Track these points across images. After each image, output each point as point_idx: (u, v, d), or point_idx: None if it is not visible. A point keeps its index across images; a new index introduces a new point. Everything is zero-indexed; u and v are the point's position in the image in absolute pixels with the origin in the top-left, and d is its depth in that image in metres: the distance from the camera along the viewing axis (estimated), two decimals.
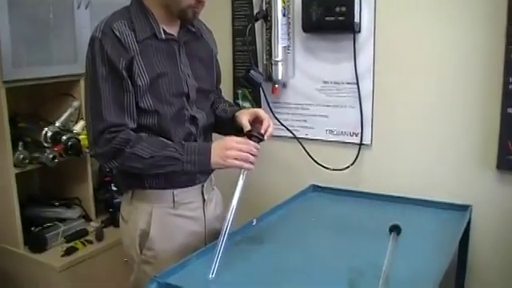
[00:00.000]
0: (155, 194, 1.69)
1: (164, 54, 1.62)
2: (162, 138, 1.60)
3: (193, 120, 1.70)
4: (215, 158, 1.58)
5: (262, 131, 1.67)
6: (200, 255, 1.58)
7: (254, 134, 1.64)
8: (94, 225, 2.53)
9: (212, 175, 1.82)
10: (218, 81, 1.89)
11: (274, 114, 2.31)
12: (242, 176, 1.60)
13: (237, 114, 1.77)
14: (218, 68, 1.88)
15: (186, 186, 1.71)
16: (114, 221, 2.54)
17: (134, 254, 1.73)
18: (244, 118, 1.71)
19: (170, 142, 1.60)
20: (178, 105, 1.64)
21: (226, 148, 1.58)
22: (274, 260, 1.60)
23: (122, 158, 1.57)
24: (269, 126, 1.69)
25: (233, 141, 1.59)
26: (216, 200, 1.86)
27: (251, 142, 1.61)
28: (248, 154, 1.58)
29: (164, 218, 1.69)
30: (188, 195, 1.73)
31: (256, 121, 1.72)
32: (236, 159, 1.57)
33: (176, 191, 1.70)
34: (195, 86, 1.70)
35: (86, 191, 2.53)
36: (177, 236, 1.71)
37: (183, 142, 1.62)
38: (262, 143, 1.67)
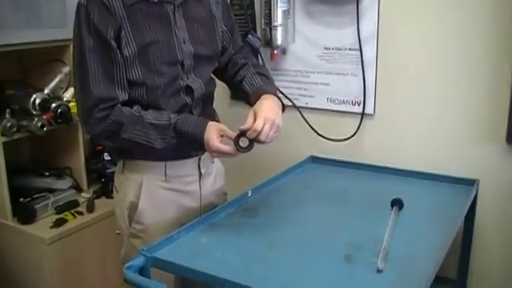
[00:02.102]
0: (146, 165, 1.66)
1: (156, 18, 1.57)
2: (154, 120, 1.55)
3: (188, 91, 1.65)
4: (205, 147, 1.55)
5: (251, 137, 1.50)
6: (190, 229, 1.56)
7: (238, 146, 1.49)
8: (85, 195, 2.52)
9: None
10: (233, 33, 1.81)
11: None
12: None
13: (254, 102, 1.62)
14: (231, 19, 1.81)
15: (180, 159, 1.68)
16: (106, 191, 2.53)
17: (123, 226, 1.71)
18: (249, 115, 1.54)
19: (165, 124, 1.54)
20: (170, 75, 1.59)
21: (209, 148, 1.53)
22: (268, 234, 1.57)
23: (117, 141, 1.56)
24: (256, 130, 1.48)
25: (214, 143, 1.51)
26: (216, 173, 1.83)
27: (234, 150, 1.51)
28: (229, 156, 1.54)
29: (154, 191, 1.67)
30: (181, 169, 1.70)
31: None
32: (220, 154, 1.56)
33: (168, 164, 1.67)
34: (191, 51, 1.63)
35: (78, 161, 2.52)
36: (168, 210, 1.69)
37: (178, 118, 1.55)
38: None
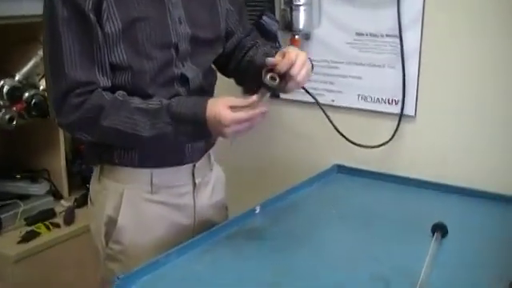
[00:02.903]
0: (128, 172, 1.64)
1: None
2: (142, 104, 1.52)
3: (183, 80, 1.64)
4: (212, 129, 1.50)
5: (282, 70, 1.48)
6: (181, 252, 1.52)
7: (267, 84, 1.47)
8: (64, 204, 2.53)
9: (211, 152, 1.78)
10: (242, 14, 1.82)
11: None
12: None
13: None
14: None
15: (170, 165, 1.67)
16: None
17: (99, 246, 1.69)
18: (276, 56, 1.55)
19: (156, 107, 1.51)
20: (162, 60, 1.58)
21: (220, 124, 1.46)
22: (278, 261, 1.53)
23: (96, 132, 1.53)
24: (290, 60, 1.49)
25: (227, 114, 1.45)
26: (215, 183, 1.83)
27: (254, 100, 1.46)
28: (251, 123, 1.47)
29: (138, 204, 1.65)
30: (172, 177, 1.68)
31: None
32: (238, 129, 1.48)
33: (155, 171, 1.65)
34: (188, 33, 1.63)
35: (57, 162, 2.53)
36: (154, 228, 1.68)
37: (172, 100, 1.53)
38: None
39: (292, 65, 1.48)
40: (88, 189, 2.46)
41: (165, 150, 1.62)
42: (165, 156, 1.63)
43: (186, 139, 1.57)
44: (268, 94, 1.49)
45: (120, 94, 1.53)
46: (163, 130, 1.50)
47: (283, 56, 1.50)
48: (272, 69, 1.48)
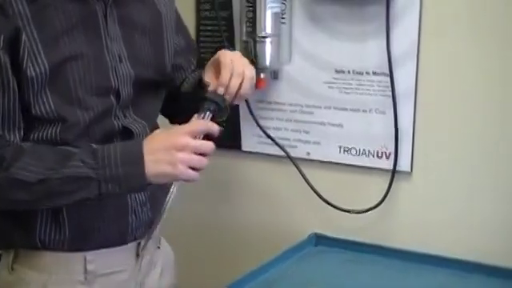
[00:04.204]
0: (53, 258, 1.48)
1: (78, 20, 1.43)
2: (58, 147, 1.42)
3: (126, 136, 1.52)
4: (154, 164, 1.39)
5: (221, 91, 1.50)
6: None
7: (205, 107, 1.46)
8: None
9: (158, 226, 1.61)
10: (190, 50, 1.80)
11: (256, 121, 2.11)
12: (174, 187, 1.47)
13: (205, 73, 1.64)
14: (185, 29, 1.79)
15: (109, 246, 1.53)
16: None
17: None
18: (208, 72, 1.57)
19: (73, 150, 1.40)
20: (99, 109, 1.45)
21: (175, 147, 1.38)
22: None
23: None
24: (230, 76, 1.50)
25: (184, 134, 1.40)
26: (163, 265, 1.71)
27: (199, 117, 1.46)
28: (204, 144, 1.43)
29: None
30: (111, 260, 1.54)
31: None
32: (189, 167, 1.40)
33: (89, 255, 1.50)
34: (131, 75, 1.51)
35: None
36: None
37: (93, 145, 1.42)
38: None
39: (228, 85, 1.50)
40: None
41: (100, 221, 1.48)
42: (104, 232, 1.49)
43: (113, 189, 1.39)
44: (209, 114, 1.45)
45: (27, 145, 1.40)
46: (84, 173, 1.36)
47: (216, 70, 1.53)
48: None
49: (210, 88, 1.49)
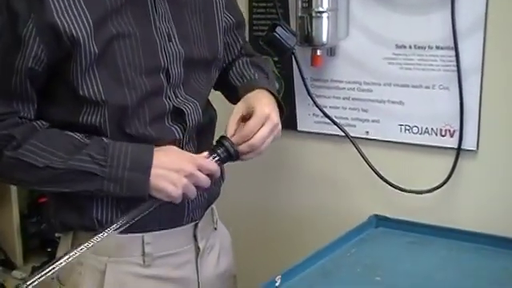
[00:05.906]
0: (112, 240, 1.46)
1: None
2: (71, 133, 1.45)
3: (177, 116, 1.52)
4: (158, 179, 1.43)
5: (235, 141, 1.50)
6: None
7: (217, 152, 1.49)
8: (17, 274, 2.42)
9: (214, 205, 1.68)
10: (239, 25, 1.76)
11: (312, 99, 2.08)
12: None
13: (243, 95, 1.63)
14: (234, 4, 1.74)
15: (167, 228, 1.54)
16: None
17: None
18: (234, 114, 1.56)
19: (85, 141, 1.44)
20: (147, 87, 1.46)
21: (184, 171, 1.44)
22: None
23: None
24: (252, 134, 1.50)
25: (195, 164, 1.46)
26: (220, 248, 1.72)
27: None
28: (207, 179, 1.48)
29: (126, 284, 1.52)
30: (169, 243, 1.56)
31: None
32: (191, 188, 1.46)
33: (148, 236, 1.51)
34: (182, 54, 1.51)
35: (8, 220, 2.44)
36: None
37: (104, 139, 1.45)
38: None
39: (249, 139, 1.50)
40: (50, 255, 2.40)
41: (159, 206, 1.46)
42: (160, 213, 1.48)
43: (114, 189, 1.43)
44: (218, 160, 1.49)
45: (40, 124, 1.45)
46: (85, 166, 1.40)
47: (243, 118, 1.53)
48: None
49: (230, 134, 1.50)
